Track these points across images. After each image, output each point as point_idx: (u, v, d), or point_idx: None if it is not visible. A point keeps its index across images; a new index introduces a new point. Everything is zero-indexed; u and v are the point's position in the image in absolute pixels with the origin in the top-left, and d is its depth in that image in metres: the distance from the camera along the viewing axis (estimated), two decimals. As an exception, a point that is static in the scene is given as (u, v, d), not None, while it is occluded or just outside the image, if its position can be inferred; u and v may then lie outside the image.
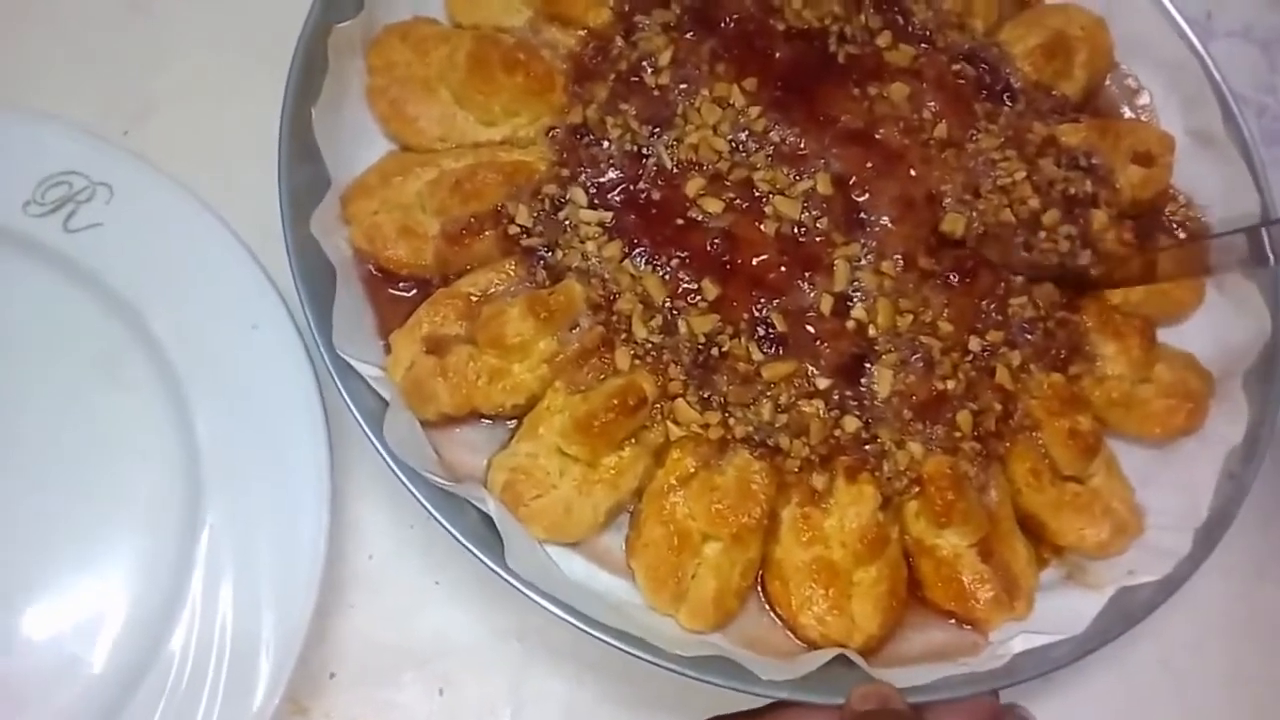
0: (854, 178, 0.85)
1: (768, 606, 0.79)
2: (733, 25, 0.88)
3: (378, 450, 0.74)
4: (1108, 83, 1.00)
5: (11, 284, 0.84)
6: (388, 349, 0.79)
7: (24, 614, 0.77)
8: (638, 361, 0.78)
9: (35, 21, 0.97)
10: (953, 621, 0.80)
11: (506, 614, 0.83)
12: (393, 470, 0.74)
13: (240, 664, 0.75)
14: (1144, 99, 0.99)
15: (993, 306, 0.84)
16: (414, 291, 0.82)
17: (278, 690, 0.74)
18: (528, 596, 0.72)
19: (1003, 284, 0.85)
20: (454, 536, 0.73)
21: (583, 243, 0.81)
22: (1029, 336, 0.84)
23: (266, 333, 0.83)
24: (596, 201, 0.82)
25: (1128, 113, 0.99)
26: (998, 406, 0.82)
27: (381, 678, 0.82)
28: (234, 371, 0.82)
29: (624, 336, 0.79)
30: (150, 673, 0.75)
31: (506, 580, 0.72)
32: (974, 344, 0.83)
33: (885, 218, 0.85)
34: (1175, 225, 0.95)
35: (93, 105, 0.93)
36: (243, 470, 0.80)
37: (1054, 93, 0.94)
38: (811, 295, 0.82)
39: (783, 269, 0.82)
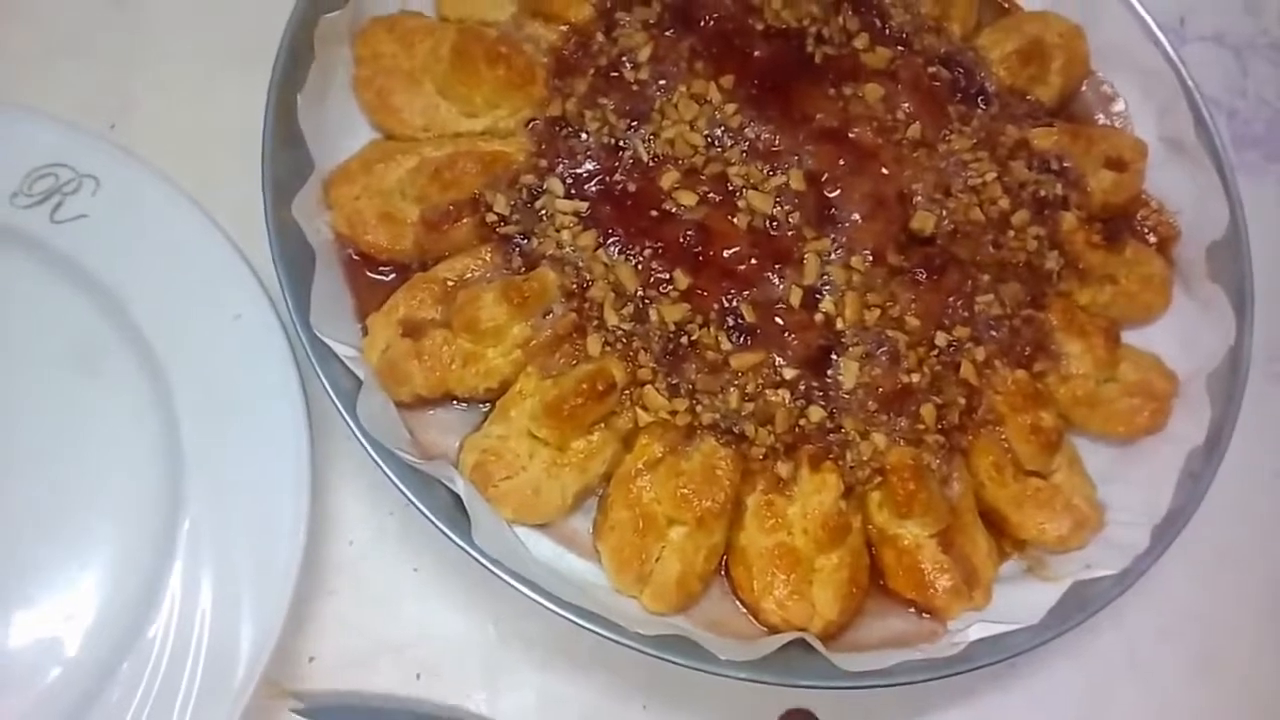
0: (826, 174, 0.87)
1: (731, 592, 0.80)
2: (712, 24, 0.90)
3: (353, 432, 0.76)
4: (1084, 89, 1.01)
5: (-2, 274, 0.86)
6: (365, 332, 0.81)
7: (4, 601, 0.78)
8: (608, 348, 0.80)
9: (20, 16, 0.98)
10: (912, 610, 0.81)
11: (482, 601, 0.85)
12: (364, 448, 0.75)
13: (220, 648, 0.76)
14: (1119, 106, 1.01)
15: (960, 303, 0.86)
16: (392, 276, 0.84)
17: (256, 674, 0.75)
18: (494, 574, 0.74)
19: (970, 281, 0.86)
20: (425, 515, 0.75)
21: (558, 231, 0.82)
22: (994, 333, 0.86)
23: (249, 323, 0.83)
24: (573, 192, 0.84)
25: (1103, 119, 1.01)
26: (961, 401, 0.83)
27: (360, 662, 0.83)
28: (216, 362, 0.83)
29: (596, 323, 0.80)
30: (130, 658, 0.76)
31: (478, 560, 0.74)
32: (940, 339, 0.84)
33: (856, 214, 0.86)
34: (1147, 230, 0.97)
35: (79, 99, 0.94)
36: (224, 459, 0.81)
37: (1029, 97, 0.96)
38: (781, 288, 0.83)
39: (754, 261, 0.83)
